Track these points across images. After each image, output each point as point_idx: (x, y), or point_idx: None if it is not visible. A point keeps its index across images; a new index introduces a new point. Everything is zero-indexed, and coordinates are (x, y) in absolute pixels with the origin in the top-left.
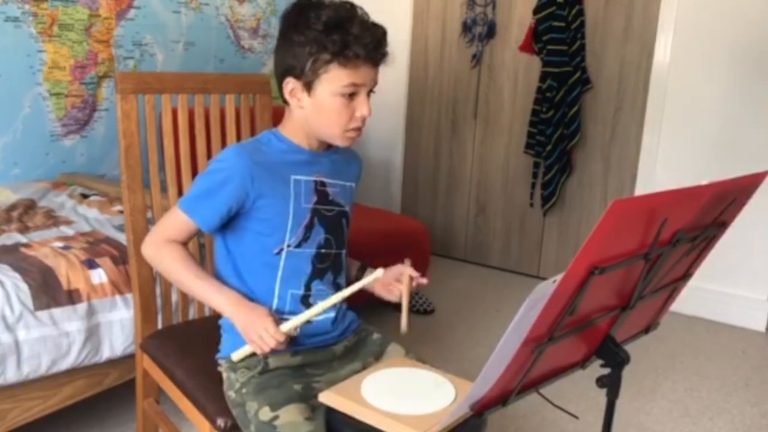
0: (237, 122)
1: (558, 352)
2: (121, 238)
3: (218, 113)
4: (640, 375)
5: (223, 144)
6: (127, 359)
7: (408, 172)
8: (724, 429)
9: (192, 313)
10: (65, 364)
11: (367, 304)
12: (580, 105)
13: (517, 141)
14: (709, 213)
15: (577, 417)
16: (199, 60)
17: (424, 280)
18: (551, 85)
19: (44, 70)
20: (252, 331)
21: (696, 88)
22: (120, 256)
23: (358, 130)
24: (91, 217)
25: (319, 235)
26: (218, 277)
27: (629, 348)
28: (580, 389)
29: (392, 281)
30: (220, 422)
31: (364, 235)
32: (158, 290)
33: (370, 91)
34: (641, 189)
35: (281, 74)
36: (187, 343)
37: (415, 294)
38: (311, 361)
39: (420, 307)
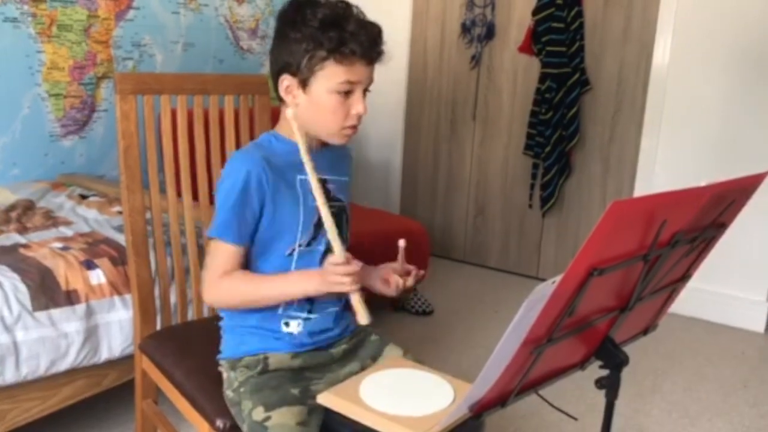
0: (236, 123)
1: (557, 353)
2: (120, 238)
3: (217, 114)
4: (639, 376)
5: (222, 145)
6: (126, 360)
7: (407, 173)
8: (723, 430)
9: (191, 314)
10: (64, 365)
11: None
12: (579, 106)
13: (516, 142)
14: (708, 214)
15: (576, 418)
16: (198, 61)
17: (420, 272)
18: (550, 87)
19: (43, 71)
20: (331, 283)
21: (695, 89)
22: (119, 257)
23: (354, 128)
24: (90, 217)
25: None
26: None
27: (628, 349)
28: (580, 390)
29: (389, 274)
30: (219, 423)
31: (363, 236)
32: (157, 291)
33: (366, 90)
34: (640, 190)
35: (277, 71)
36: (186, 343)
37: (413, 295)
38: (310, 364)
39: (419, 307)
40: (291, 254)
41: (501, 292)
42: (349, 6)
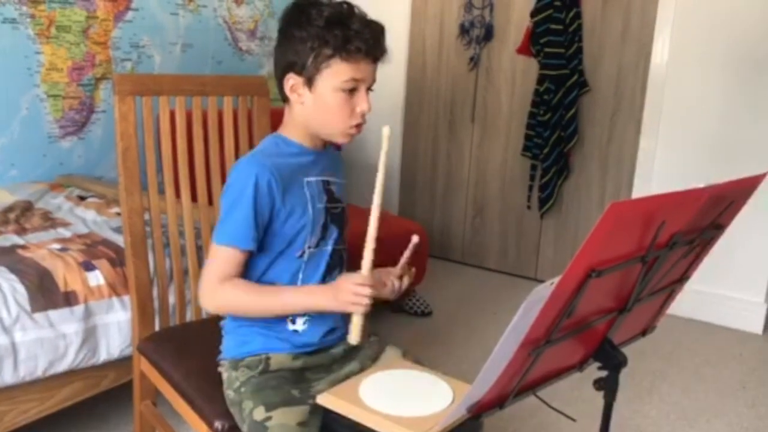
0: (235, 124)
1: (555, 355)
2: (119, 240)
3: (216, 115)
4: (638, 377)
5: (221, 146)
6: (125, 361)
7: (405, 174)
8: (721, 431)
9: (189, 315)
10: (62, 366)
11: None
12: (577, 107)
13: (515, 143)
14: (706, 215)
15: (574, 419)
16: (197, 62)
17: (412, 268)
18: (549, 88)
19: (42, 72)
20: (343, 302)
21: (693, 90)
22: (117, 258)
23: (359, 126)
24: (88, 218)
25: (333, 233)
26: None
27: (627, 350)
28: (578, 392)
29: (386, 278)
30: (218, 425)
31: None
32: (155, 292)
33: (369, 89)
34: (638, 191)
35: (282, 71)
36: (184, 345)
37: (411, 296)
38: (310, 365)
39: (417, 309)
40: (302, 256)
41: (499, 293)
42: (352, 6)
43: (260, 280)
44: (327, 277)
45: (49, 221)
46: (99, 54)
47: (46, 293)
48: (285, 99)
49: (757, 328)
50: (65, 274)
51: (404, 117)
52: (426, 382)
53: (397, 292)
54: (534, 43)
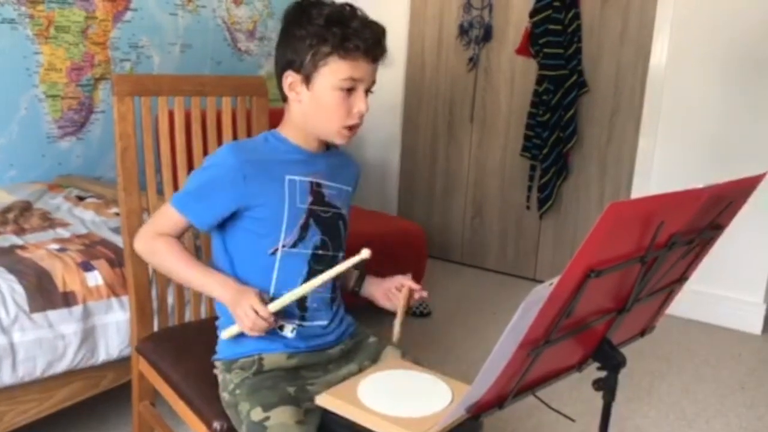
0: (233, 124)
1: (554, 355)
2: (117, 240)
3: (215, 115)
4: (637, 378)
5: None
6: (123, 362)
7: (405, 175)
8: (720, 431)
9: (188, 316)
10: (61, 367)
11: (363, 309)
12: (576, 108)
13: (514, 144)
14: (705, 216)
15: (573, 420)
16: (196, 62)
17: (424, 293)
18: (548, 88)
19: (40, 72)
20: (239, 309)
21: (692, 91)
22: (116, 259)
23: (355, 127)
24: (87, 219)
25: (315, 236)
26: None
27: (625, 351)
28: (577, 392)
29: (393, 290)
30: (216, 425)
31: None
32: (154, 292)
33: (368, 90)
34: (637, 192)
35: (281, 68)
36: (183, 345)
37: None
38: (307, 364)
39: (416, 309)
40: (274, 253)
41: (498, 293)
42: (354, 8)
43: (234, 269)
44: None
45: (48, 221)
46: (98, 54)
47: (44, 293)
48: (284, 98)
49: (756, 329)
50: (64, 274)
51: (403, 117)
52: (425, 383)
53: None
54: (533, 43)
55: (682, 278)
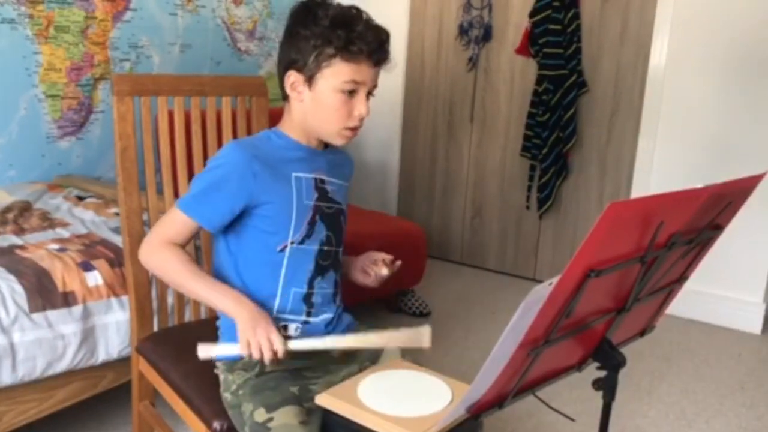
0: (233, 124)
1: (554, 355)
2: (117, 240)
3: (214, 115)
4: (636, 378)
5: (219, 146)
6: (123, 362)
7: (404, 175)
8: (720, 431)
9: (188, 316)
10: (61, 367)
11: (363, 308)
12: (576, 108)
13: (514, 144)
14: (705, 216)
15: (573, 419)
16: (196, 62)
17: (398, 262)
18: (547, 89)
19: (40, 72)
20: (254, 335)
21: (692, 90)
22: (116, 259)
23: (355, 129)
24: (86, 219)
25: (321, 232)
26: (218, 277)
27: (625, 350)
28: (577, 392)
29: (367, 264)
30: (216, 425)
31: (361, 237)
32: (154, 292)
33: (369, 93)
34: (637, 192)
35: (284, 68)
36: (183, 345)
37: (410, 296)
38: (308, 364)
39: (416, 309)
40: (283, 251)
41: (498, 293)
42: (359, 10)
43: (238, 270)
44: (319, 277)
45: (48, 221)
46: (97, 54)
47: (44, 293)
48: (285, 96)
49: (756, 329)
50: (64, 274)
51: (403, 117)
52: (425, 383)
53: (379, 279)
54: (533, 43)
55: (682, 278)
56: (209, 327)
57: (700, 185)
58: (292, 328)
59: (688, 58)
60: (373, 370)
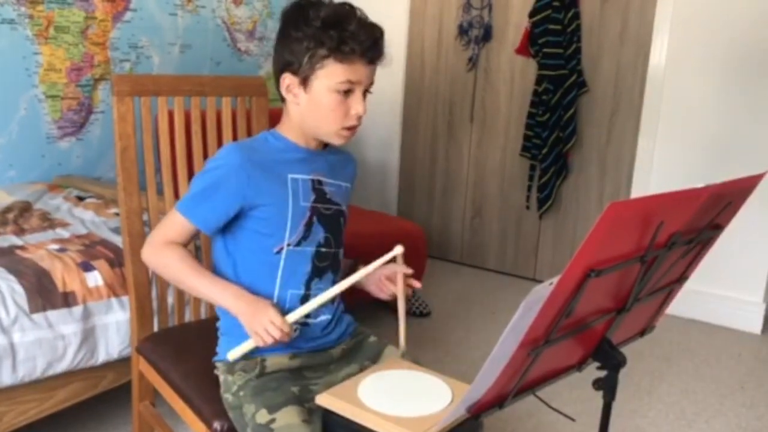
0: (233, 125)
1: (554, 355)
2: (117, 240)
3: (214, 116)
4: (637, 377)
5: (219, 147)
6: (123, 362)
7: (404, 175)
8: (720, 431)
9: (188, 316)
10: (61, 367)
11: (363, 308)
12: (576, 108)
13: (513, 144)
14: (705, 215)
15: (573, 419)
16: (196, 62)
17: (417, 284)
18: (547, 88)
19: (40, 73)
20: (257, 323)
21: (692, 90)
22: (116, 259)
23: (353, 128)
24: (86, 219)
25: (318, 233)
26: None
27: (625, 350)
28: (577, 392)
29: (384, 279)
30: (216, 425)
31: (360, 237)
32: (154, 293)
33: (366, 91)
34: (637, 192)
35: (279, 70)
36: (183, 345)
37: (410, 297)
38: (308, 364)
39: (416, 309)
40: (279, 252)
41: (498, 293)
42: (352, 8)
43: (236, 271)
44: (316, 279)
45: (48, 222)
46: (97, 55)
47: (44, 294)
48: (282, 99)
49: (756, 328)
50: (64, 274)
51: (403, 117)
52: (425, 383)
53: (393, 296)
54: (533, 43)
55: (682, 278)
56: (209, 327)
57: (700, 185)
58: (292, 329)
59: (688, 58)
60: (374, 370)
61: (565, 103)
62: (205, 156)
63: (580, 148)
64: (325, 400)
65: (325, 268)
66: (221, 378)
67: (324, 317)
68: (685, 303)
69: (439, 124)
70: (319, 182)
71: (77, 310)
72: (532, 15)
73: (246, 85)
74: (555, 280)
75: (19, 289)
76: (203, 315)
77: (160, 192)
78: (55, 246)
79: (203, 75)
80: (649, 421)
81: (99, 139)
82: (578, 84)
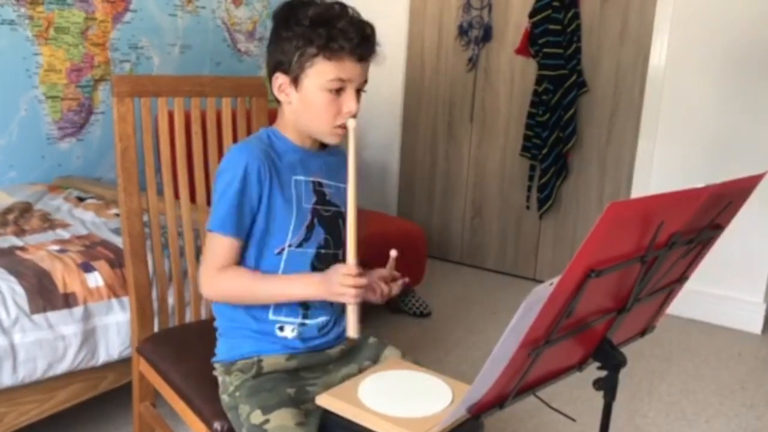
0: (233, 125)
1: (555, 355)
2: (118, 241)
3: (214, 116)
4: (637, 377)
5: (219, 147)
6: (124, 362)
7: (404, 175)
8: (720, 431)
9: (188, 317)
10: (61, 368)
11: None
12: (576, 108)
13: (513, 144)
14: (705, 215)
15: (574, 419)
16: (196, 63)
17: (406, 279)
18: (547, 89)
19: (40, 73)
20: (334, 289)
21: (692, 90)
22: (116, 259)
23: (346, 126)
24: (87, 220)
25: (319, 235)
26: None
27: (626, 350)
28: (577, 392)
29: (375, 282)
30: (217, 426)
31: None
32: (154, 293)
33: (360, 90)
34: (637, 192)
35: (271, 70)
36: (184, 346)
37: (410, 296)
38: (306, 365)
39: (416, 309)
40: (280, 253)
41: (498, 293)
42: (343, 6)
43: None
44: None
45: (48, 222)
46: (97, 55)
47: (45, 295)
48: (276, 99)
49: (756, 328)
50: (64, 275)
51: (403, 118)
52: (425, 383)
53: (385, 298)
54: (532, 43)
55: (682, 278)
56: (209, 328)
57: (700, 185)
58: (289, 330)
59: (687, 58)
60: (374, 370)
61: (565, 104)
62: (205, 156)
63: (580, 149)
64: (325, 400)
65: (324, 269)
66: (219, 379)
67: (322, 318)
68: (685, 303)
69: (439, 125)
70: (320, 184)
71: (78, 310)
72: (532, 15)
73: (246, 86)
74: (555, 280)
75: (19, 289)
76: (203, 316)
77: (160, 192)
78: (56, 247)
79: (203, 75)
80: (649, 421)
81: (99, 139)
82: (578, 84)
